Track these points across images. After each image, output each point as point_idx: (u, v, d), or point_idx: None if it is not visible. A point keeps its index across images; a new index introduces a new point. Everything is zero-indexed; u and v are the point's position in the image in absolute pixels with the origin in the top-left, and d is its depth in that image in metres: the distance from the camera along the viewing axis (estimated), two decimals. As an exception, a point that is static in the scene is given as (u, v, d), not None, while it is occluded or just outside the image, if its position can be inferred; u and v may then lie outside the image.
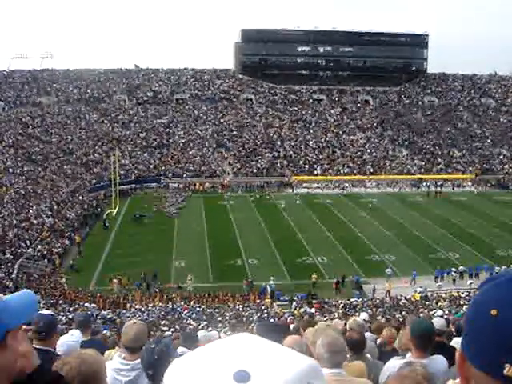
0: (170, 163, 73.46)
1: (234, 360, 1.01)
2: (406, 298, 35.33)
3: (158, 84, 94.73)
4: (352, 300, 35.38)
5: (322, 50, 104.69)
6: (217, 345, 1.09)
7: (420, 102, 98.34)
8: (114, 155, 60.35)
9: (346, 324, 6.93)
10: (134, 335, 4.45)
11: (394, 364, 4.76)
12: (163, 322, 26.42)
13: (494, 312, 1.10)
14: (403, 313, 27.13)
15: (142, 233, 49.19)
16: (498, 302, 1.11)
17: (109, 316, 29.13)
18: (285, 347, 1.12)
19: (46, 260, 41.93)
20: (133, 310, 32.94)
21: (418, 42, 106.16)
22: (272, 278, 38.68)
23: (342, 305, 33.77)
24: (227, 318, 29.58)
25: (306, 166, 75.79)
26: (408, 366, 3.67)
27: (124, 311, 32.37)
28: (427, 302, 33.76)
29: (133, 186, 67.18)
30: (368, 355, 5.26)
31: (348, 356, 4.54)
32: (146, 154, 74.88)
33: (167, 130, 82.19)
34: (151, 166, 72.34)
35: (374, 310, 30.61)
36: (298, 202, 61.55)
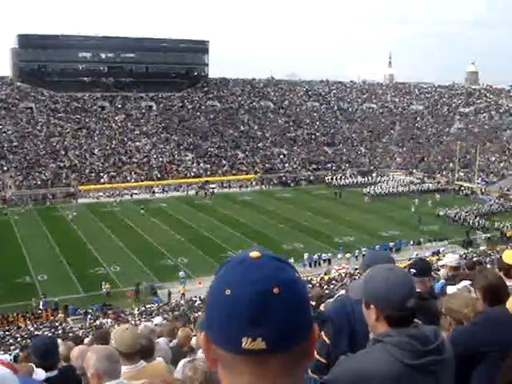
0: None
1: None
2: (200, 299, 36.20)
3: None
4: (148, 306, 35.58)
5: (103, 56, 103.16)
6: None
7: (203, 107, 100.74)
8: None
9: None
10: None
11: (183, 364, 5.05)
12: None
13: (227, 292, 1.23)
14: (199, 313, 27.81)
15: None
16: (231, 282, 1.24)
17: None
18: None
19: None
20: None
21: (199, 48, 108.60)
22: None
23: (138, 312, 33.82)
24: (19, 339, 28.34)
25: (93, 175, 74.40)
26: (191, 362, 4.01)
27: None
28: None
29: None
30: (159, 359, 5.45)
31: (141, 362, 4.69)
32: None
33: None
34: None
35: (171, 313, 31.02)
36: (74, 213, 59.22)
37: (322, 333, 3.51)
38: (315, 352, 3.55)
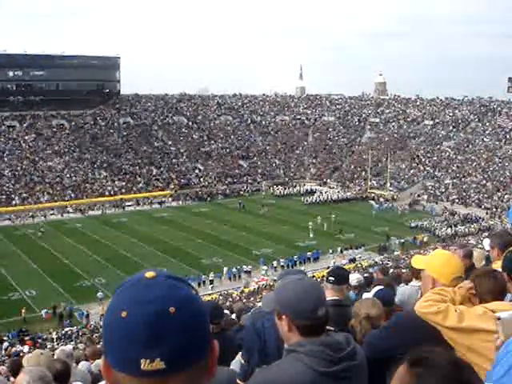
0: None
1: None
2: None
3: None
4: (66, 330, 34.71)
5: (11, 74, 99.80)
6: None
7: (116, 124, 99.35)
8: None
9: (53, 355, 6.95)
10: None
11: None
12: None
13: (124, 314, 1.21)
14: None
15: None
16: (126, 303, 1.23)
17: None
18: None
19: None
20: None
21: (110, 64, 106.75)
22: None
23: (56, 337, 32.95)
24: None
25: (3, 197, 72.02)
26: None
27: None
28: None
29: None
30: (77, 383, 5.37)
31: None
32: None
33: None
34: None
35: (90, 334, 30.39)
36: None
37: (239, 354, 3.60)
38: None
